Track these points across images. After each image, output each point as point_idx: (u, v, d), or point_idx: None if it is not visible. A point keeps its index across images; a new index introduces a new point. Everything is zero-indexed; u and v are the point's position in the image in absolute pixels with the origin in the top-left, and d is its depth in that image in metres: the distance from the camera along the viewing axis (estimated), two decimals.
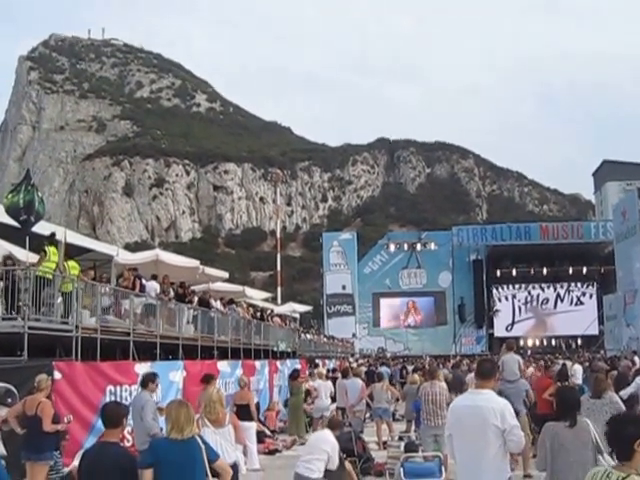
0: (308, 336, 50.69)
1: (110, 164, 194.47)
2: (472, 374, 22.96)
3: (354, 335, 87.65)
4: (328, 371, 34.91)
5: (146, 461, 7.01)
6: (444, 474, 12.54)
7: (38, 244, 16.61)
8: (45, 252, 16.30)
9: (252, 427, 17.67)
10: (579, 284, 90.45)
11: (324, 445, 12.21)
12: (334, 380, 26.09)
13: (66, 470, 13.46)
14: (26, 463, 12.37)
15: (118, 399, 16.26)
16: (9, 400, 13.85)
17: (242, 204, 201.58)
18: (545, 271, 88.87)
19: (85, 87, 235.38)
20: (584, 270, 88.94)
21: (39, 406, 12.21)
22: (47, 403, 12.24)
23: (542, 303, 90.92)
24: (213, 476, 7.38)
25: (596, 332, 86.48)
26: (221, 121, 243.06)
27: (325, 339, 61.31)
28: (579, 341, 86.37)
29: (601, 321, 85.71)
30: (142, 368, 17.57)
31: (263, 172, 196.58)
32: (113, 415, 7.04)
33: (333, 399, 24.11)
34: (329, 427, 13.10)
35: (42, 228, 17.30)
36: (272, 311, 44.24)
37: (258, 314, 35.98)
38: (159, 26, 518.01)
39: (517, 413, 8.72)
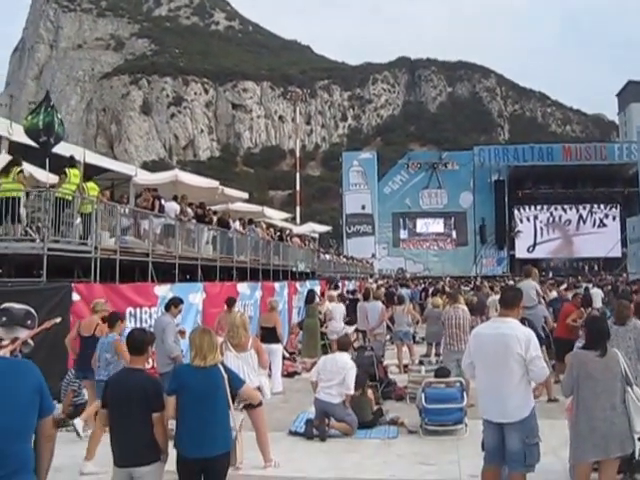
0: (327, 256, 50.44)
1: (128, 82, 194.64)
2: (494, 297, 23.20)
3: (373, 255, 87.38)
4: (348, 292, 34.72)
5: (170, 387, 7.07)
6: (466, 399, 12.48)
7: (58, 165, 16.43)
8: (65, 174, 16.18)
9: (278, 349, 17.59)
10: (602, 206, 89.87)
11: (341, 370, 12.33)
12: (354, 302, 25.97)
13: (84, 391, 13.53)
14: (83, 382, 13.07)
15: (138, 321, 16.49)
16: (29, 322, 13.47)
17: (261, 123, 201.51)
18: (568, 192, 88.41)
19: (103, 5, 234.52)
20: (607, 192, 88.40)
21: (97, 328, 12.73)
22: (103, 325, 12.54)
23: (564, 225, 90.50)
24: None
25: (619, 254, 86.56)
26: (240, 39, 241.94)
27: (344, 259, 60.97)
28: (601, 263, 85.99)
29: (624, 244, 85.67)
30: (162, 290, 17.55)
31: (282, 90, 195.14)
32: (138, 342, 7.05)
33: (349, 322, 23.98)
34: (339, 349, 13.20)
35: (62, 149, 17.19)
36: (291, 231, 43.95)
37: (277, 234, 35.69)
38: None
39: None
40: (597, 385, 7.41)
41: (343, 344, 13.35)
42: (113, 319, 12.12)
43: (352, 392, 12.37)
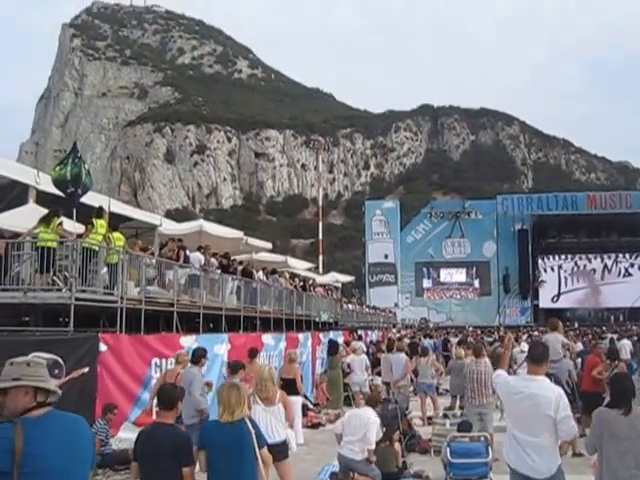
0: (350, 306, 50.32)
1: (152, 130, 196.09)
2: (518, 348, 23.19)
3: (396, 305, 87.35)
4: (371, 343, 34.62)
5: (200, 443, 7.28)
6: (491, 454, 12.41)
7: (84, 214, 16.71)
8: (92, 224, 16.46)
9: (298, 401, 17.54)
10: (627, 255, 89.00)
11: (363, 426, 12.14)
12: (378, 352, 26.39)
13: (112, 441, 14.01)
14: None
15: (163, 372, 16.44)
16: (56, 371, 13.60)
17: (283, 171, 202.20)
18: (592, 241, 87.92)
19: (127, 54, 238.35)
20: (633, 240, 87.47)
21: (177, 377, 13.53)
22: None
23: (589, 274, 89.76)
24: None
25: None
26: (263, 87, 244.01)
27: (367, 309, 60.96)
28: (627, 313, 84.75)
29: None
30: (187, 341, 17.74)
31: (305, 139, 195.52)
32: (169, 398, 7.25)
33: (379, 373, 23.88)
34: (369, 404, 12.97)
35: (88, 198, 17.43)
36: (314, 281, 43.99)
37: (300, 284, 35.80)
38: None
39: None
40: (621, 444, 7.28)
41: (371, 400, 13.25)
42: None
43: (373, 447, 12.18)
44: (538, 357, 7.92)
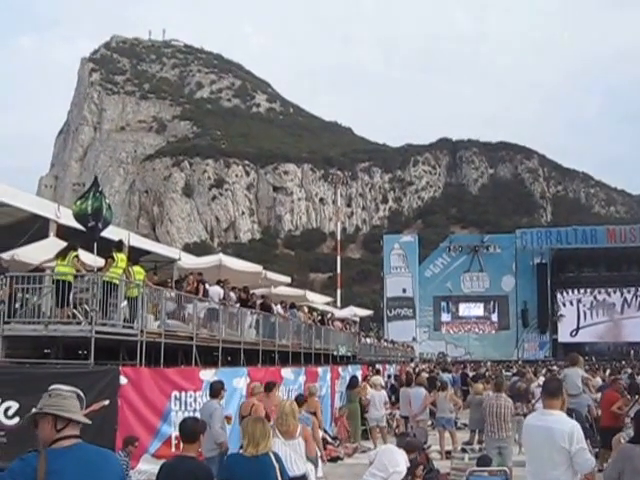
0: (368, 340, 50.62)
1: (170, 164, 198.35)
2: (537, 382, 23.55)
3: (414, 339, 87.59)
4: (389, 377, 34.68)
5: (221, 477, 7.49)
6: None
7: (104, 248, 16.84)
8: (113, 258, 16.54)
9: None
10: None
11: (392, 466, 11.97)
12: (398, 386, 26.74)
13: (132, 472, 13.98)
14: None
15: (183, 405, 16.86)
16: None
17: (302, 205, 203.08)
18: (612, 275, 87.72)
19: (146, 88, 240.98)
20: None
21: (252, 408, 14.05)
22: (260, 406, 14.10)
23: (608, 308, 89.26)
24: None
25: None
26: (281, 121, 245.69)
27: (385, 343, 61.09)
28: None
29: None
30: (206, 374, 17.82)
31: (323, 173, 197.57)
32: (191, 432, 7.35)
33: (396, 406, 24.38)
34: (405, 449, 12.81)
35: (109, 232, 17.73)
36: (332, 315, 44.08)
37: (319, 318, 36.06)
38: (219, 26, 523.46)
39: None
40: None
41: (409, 446, 13.16)
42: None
43: None
44: (553, 391, 7.99)
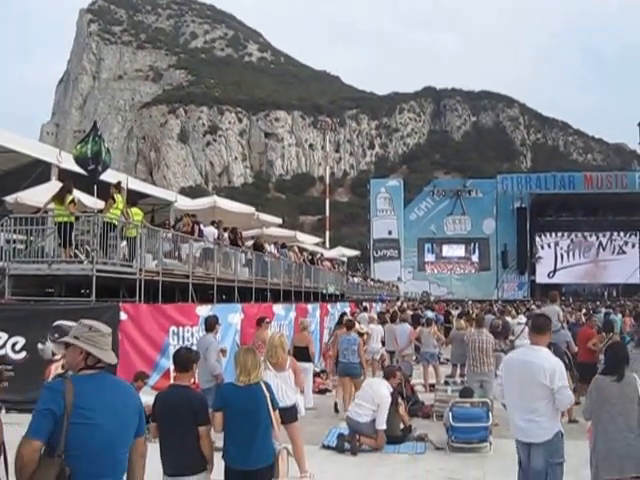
0: (355, 279, 51.62)
1: (166, 112, 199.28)
2: (516, 321, 24.25)
3: (399, 279, 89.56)
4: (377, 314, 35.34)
5: (216, 405, 7.51)
6: (491, 419, 12.84)
7: (103, 191, 17.39)
8: (114, 199, 16.92)
9: (310, 368, 18.05)
10: (622, 233, 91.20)
11: (376, 398, 12.87)
12: (383, 323, 26.41)
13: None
14: None
15: (180, 340, 17.29)
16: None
17: (292, 150, 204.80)
18: (588, 220, 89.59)
19: (142, 38, 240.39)
20: (627, 220, 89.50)
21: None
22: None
23: (584, 251, 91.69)
24: None
25: (637, 281, 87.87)
26: (272, 70, 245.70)
27: (372, 282, 62.62)
28: (620, 289, 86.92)
29: None
30: (202, 310, 18.07)
31: (312, 120, 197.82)
32: (184, 360, 7.34)
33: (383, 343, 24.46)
34: (385, 377, 13.73)
35: (107, 176, 18.20)
36: (322, 255, 45.14)
37: (309, 258, 36.33)
38: None
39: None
40: (614, 409, 7.54)
41: (388, 373, 13.99)
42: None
43: (384, 428, 12.79)
44: (539, 327, 8.10)
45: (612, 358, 8.07)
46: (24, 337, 15.30)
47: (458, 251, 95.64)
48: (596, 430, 7.69)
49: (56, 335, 14.80)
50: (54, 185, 17.91)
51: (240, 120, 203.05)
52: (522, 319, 23.81)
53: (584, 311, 33.44)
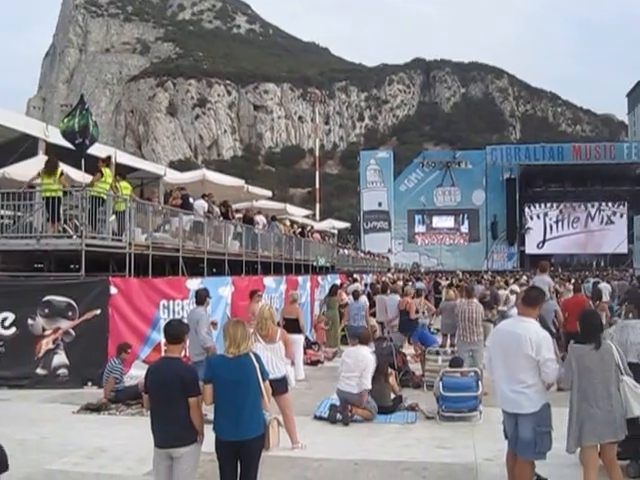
0: (346, 251, 51.34)
1: (154, 85, 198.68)
2: (506, 291, 24.14)
3: (389, 250, 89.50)
4: (365, 285, 35.15)
5: (206, 376, 7.42)
6: (481, 388, 12.90)
7: (93, 165, 17.05)
8: (102, 173, 16.75)
9: (300, 340, 18.04)
10: (610, 203, 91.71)
11: (360, 362, 12.92)
12: (373, 294, 26.73)
13: (126, 377, 14.54)
14: None
15: (171, 313, 17.36)
16: (70, 313, 15.53)
17: (281, 123, 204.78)
18: (577, 190, 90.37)
19: (129, 10, 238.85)
20: (615, 190, 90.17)
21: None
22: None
23: (573, 222, 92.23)
24: None
25: (625, 251, 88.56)
26: (261, 42, 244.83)
27: (362, 254, 62.19)
28: (608, 259, 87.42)
29: (631, 240, 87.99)
30: (193, 283, 18.17)
31: (302, 92, 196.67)
32: (175, 332, 7.37)
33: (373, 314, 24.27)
34: (360, 342, 13.70)
35: (95, 149, 17.84)
36: (312, 227, 45.07)
37: (299, 230, 36.38)
38: None
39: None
40: (595, 376, 7.61)
41: (364, 338, 13.90)
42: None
43: (369, 387, 12.84)
44: (531, 300, 8.18)
45: (587, 326, 7.99)
46: (14, 313, 15.36)
47: (448, 222, 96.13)
48: (576, 398, 7.73)
49: (47, 311, 15.48)
50: (41, 159, 17.89)
51: (229, 93, 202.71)
52: (516, 288, 23.32)
53: (573, 281, 33.34)
